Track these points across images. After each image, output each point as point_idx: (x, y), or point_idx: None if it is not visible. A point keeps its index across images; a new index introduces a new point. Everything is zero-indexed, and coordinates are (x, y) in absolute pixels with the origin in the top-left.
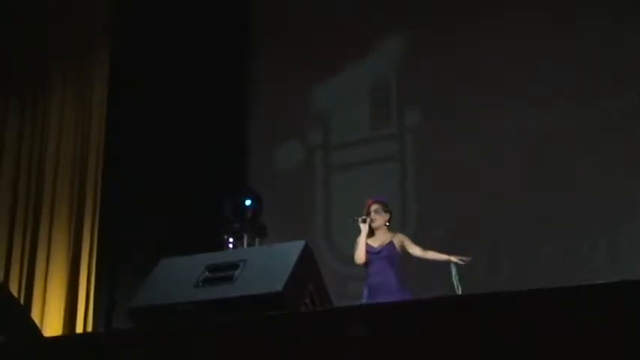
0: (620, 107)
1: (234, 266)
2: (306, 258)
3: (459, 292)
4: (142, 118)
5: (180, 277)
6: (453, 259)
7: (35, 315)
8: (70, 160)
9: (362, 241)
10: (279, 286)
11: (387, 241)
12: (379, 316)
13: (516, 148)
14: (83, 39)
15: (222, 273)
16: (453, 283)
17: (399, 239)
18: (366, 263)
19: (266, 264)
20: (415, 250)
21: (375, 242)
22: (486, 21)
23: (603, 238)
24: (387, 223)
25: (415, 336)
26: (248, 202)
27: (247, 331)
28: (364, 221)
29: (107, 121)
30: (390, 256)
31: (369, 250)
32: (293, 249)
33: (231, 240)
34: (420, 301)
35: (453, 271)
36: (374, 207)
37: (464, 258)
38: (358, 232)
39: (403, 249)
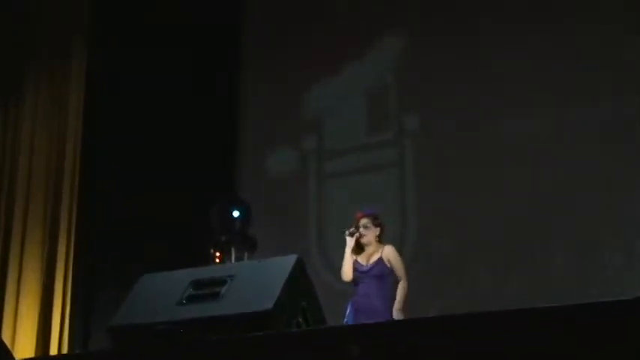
0: (629, 106)
1: (220, 282)
2: (299, 273)
3: None
4: (123, 122)
5: (162, 294)
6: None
7: (5, 336)
8: (43, 171)
9: (347, 257)
10: (269, 304)
11: (377, 258)
12: (376, 336)
13: (523, 153)
14: (59, 38)
15: (208, 290)
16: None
17: (386, 255)
18: (355, 281)
19: (255, 280)
20: (397, 273)
21: (364, 259)
22: (489, 22)
23: (618, 245)
24: (378, 238)
25: (413, 357)
26: (236, 213)
27: (234, 353)
28: (352, 235)
29: (84, 127)
30: (380, 275)
31: (357, 268)
32: (284, 264)
33: (217, 254)
34: (417, 320)
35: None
36: (363, 221)
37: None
38: None
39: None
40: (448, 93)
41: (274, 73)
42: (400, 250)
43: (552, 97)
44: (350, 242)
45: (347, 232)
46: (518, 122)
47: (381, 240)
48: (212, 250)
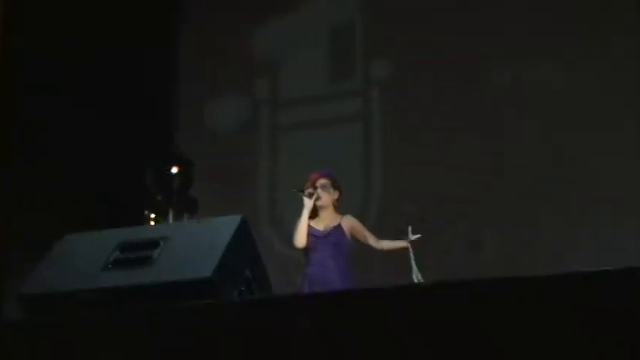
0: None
1: (152, 245)
2: (243, 236)
3: (419, 278)
4: (47, 65)
5: (85, 258)
6: (406, 242)
7: None
8: None
9: (303, 221)
10: (208, 271)
11: (335, 225)
12: (324, 307)
13: (507, 109)
14: None
15: (138, 253)
16: (411, 269)
17: (347, 223)
18: (308, 249)
19: (193, 243)
20: (368, 239)
21: (320, 224)
22: None
23: (607, 213)
24: (336, 203)
25: (362, 329)
26: (174, 170)
27: (166, 326)
28: (310, 195)
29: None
30: (337, 242)
31: (313, 233)
32: (226, 225)
33: (153, 216)
34: (369, 289)
35: (411, 255)
36: (321, 181)
37: (414, 237)
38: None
39: (353, 236)
40: (428, 33)
41: (222, 8)
42: (363, 213)
43: (551, 50)
44: (308, 204)
45: (306, 193)
46: (501, 74)
47: (338, 206)
48: (146, 212)
